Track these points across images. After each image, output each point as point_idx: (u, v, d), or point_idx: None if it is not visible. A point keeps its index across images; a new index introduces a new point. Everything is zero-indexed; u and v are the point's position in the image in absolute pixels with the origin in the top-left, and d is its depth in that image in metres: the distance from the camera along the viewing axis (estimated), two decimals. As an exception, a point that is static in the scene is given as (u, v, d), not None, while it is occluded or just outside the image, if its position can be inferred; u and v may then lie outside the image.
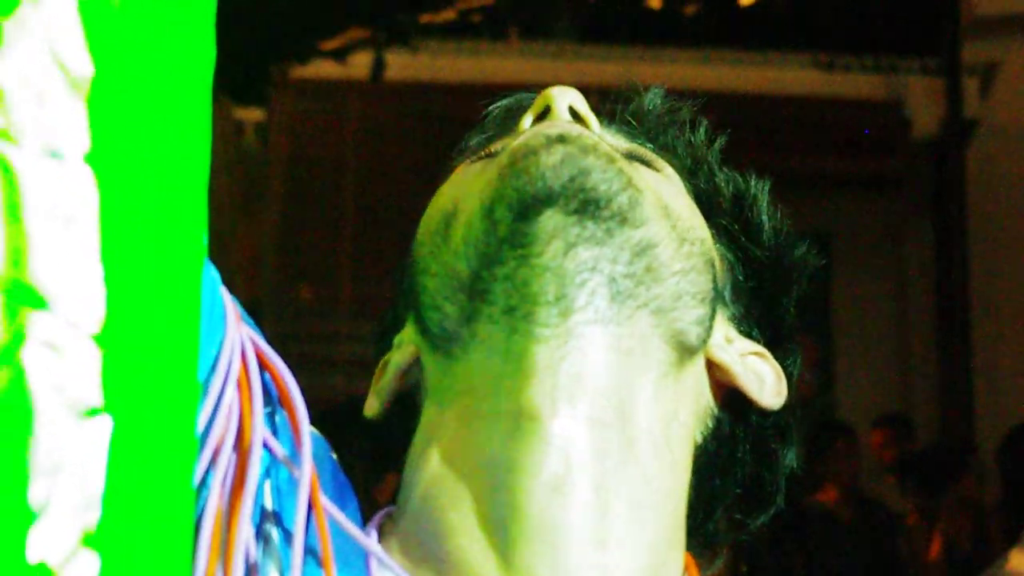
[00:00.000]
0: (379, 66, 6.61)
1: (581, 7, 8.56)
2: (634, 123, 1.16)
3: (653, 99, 1.19)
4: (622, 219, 0.99)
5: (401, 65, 7.04)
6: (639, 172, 1.05)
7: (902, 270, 9.90)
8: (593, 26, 9.24)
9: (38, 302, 0.61)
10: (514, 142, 1.04)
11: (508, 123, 1.13)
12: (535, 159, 0.99)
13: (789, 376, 1.12)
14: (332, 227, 9.29)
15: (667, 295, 1.01)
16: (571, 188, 0.98)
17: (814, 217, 9.88)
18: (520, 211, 0.98)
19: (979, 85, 9.54)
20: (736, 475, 1.12)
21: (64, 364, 0.61)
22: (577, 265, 0.97)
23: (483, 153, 1.10)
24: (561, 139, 1.00)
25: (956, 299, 9.43)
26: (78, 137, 0.64)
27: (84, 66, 0.64)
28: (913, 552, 6.62)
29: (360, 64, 6.75)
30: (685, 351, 1.03)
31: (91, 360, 0.62)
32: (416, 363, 1.07)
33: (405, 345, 1.09)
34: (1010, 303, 9.39)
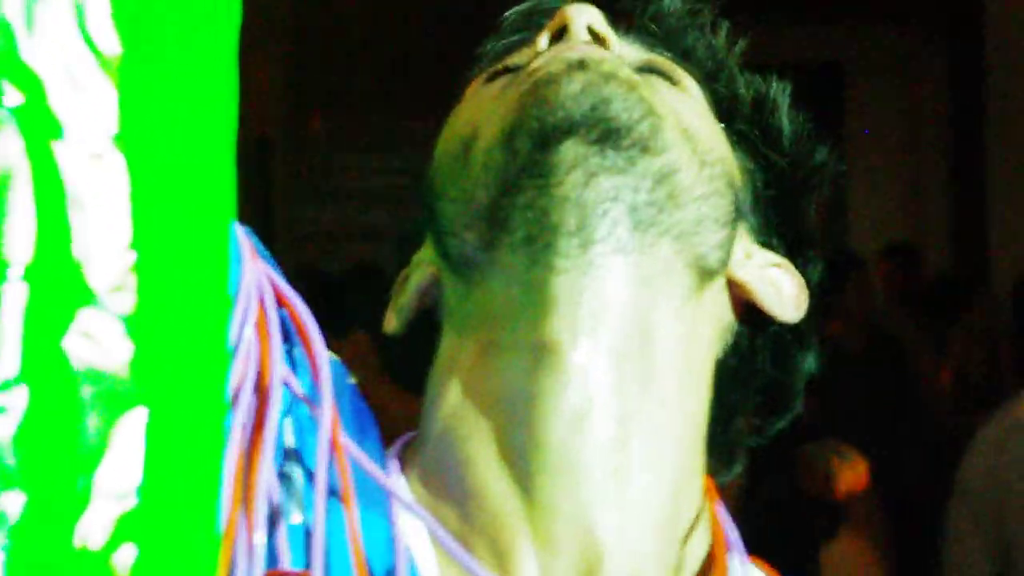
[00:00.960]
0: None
1: None
2: (653, 27, 1.14)
3: (672, 1, 1.16)
4: (643, 147, 0.99)
5: None
6: (659, 93, 1.04)
7: (915, 98, 9.84)
8: None
9: (84, 293, 0.63)
10: (533, 65, 1.04)
11: (526, 31, 1.12)
12: (556, 87, 0.99)
13: (809, 284, 1.12)
14: (343, 57, 9.22)
15: (688, 220, 1.00)
16: (592, 117, 0.97)
17: (826, 47, 9.79)
18: (540, 141, 0.97)
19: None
20: (755, 385, 1.12)
21: (100, 351, 0.63)
22: (598, 195, 0.97)
23: (500, 67, 1.09)
24: (581, 65, 1.00)
25: (970, 128, 9.39)
26: (109, 120, 0.64)
27: (113, 45, 0.65)
28: (922, 382, 6.68)
29: None
30: (706, 275, 1.03)
31: (124, 346, 0.64)
32: (435, 284, 1.07)
33: (425, 265, 1.09)
34: None
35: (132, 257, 0.65)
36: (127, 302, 0.64)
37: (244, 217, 0.83)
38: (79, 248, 0.63)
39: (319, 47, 9.05)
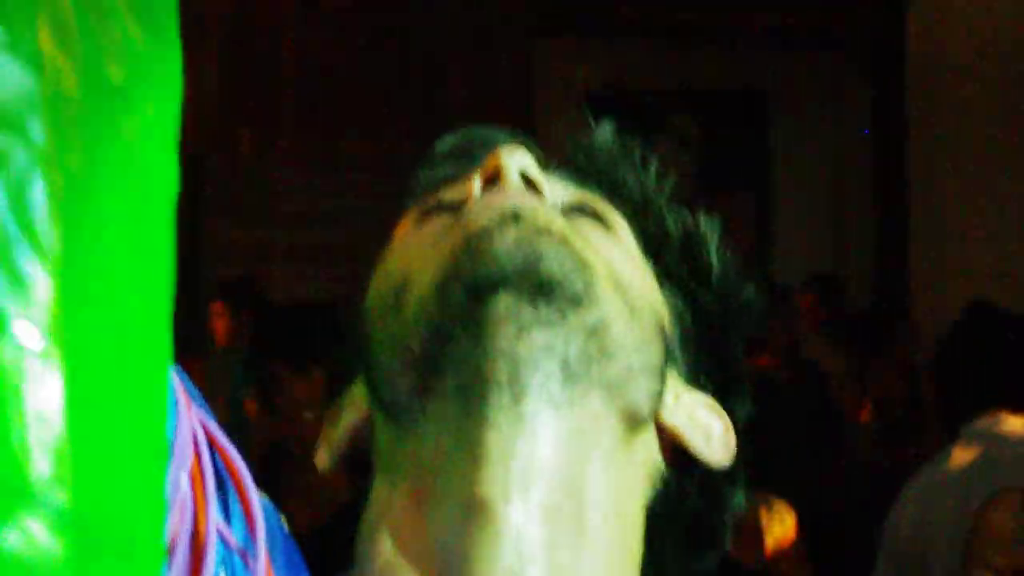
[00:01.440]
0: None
1: None
2: (584, 161, 1.15)
3: (604, 135, 1.17)
4: (575, 301, 0.99)
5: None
6: (591, 242, 1.05)
7: (839, 129, 9.97)
8: None
9: (20, 489, 0.63)
10: (466, 214, 1.04)
11: (458, 164, 1.12)
12: (489, 241, 0.99)
13: (736, 423, 1.12)
14: (274, 75, 9.23)
15: (619, 372, 1.01)
16: (525, 272, 0.98)
17: (752, 74, 9.90)
18: (473, 293, 0.97)
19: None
20: (685, 524, 1.12)
21: (34, 548, 0.63)
22: (530, 348, 0.97)
23: (432, 203, 1.09)
24: (515, 218, 1.01)
25: (894, 159, 9.51)
26: (46, 313, 0.65)
27: (52, 238, 0.65)
28: (843, 413, 6.73)
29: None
30: (636, 424, 1.03)
31: (58, 541, 0.63)
32: (367, 424, 1.07)
33: (357, 403, 1.09)
34: (949, 163, 9.42)
35: (68, 449, 0.64)
36: (62, 496, 0.64)
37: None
38: (16, 443, 0.62)
39: (253, 65, 9.04)
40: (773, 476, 4.26)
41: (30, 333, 0.63)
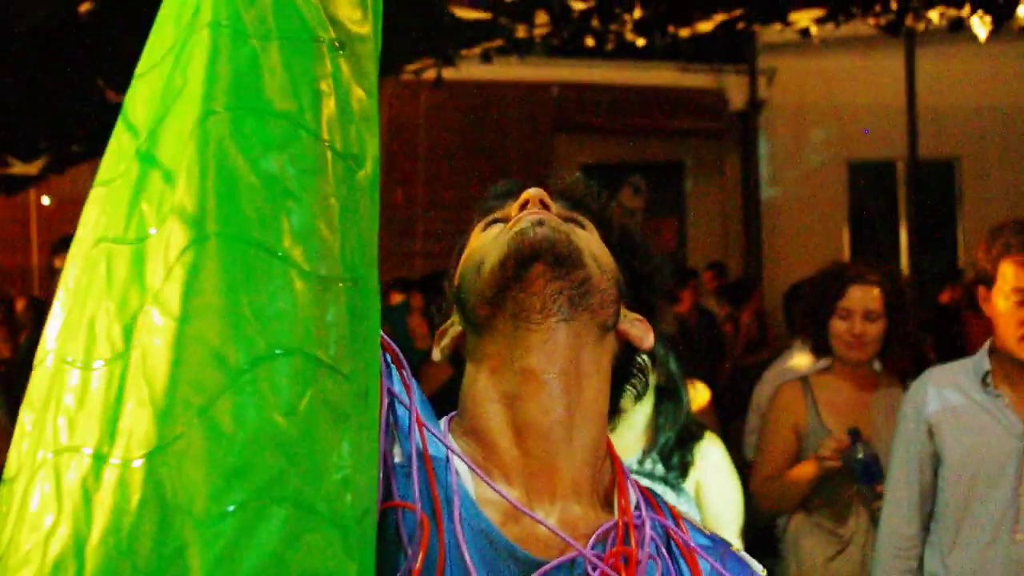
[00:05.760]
0: (439, 78, 6.36)
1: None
2: (569, 193, 1.15)
3: (578, 182, 1.17)
4: (574, 265, 1.02)
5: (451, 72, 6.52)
6: (577, 234, 1.06)
7: (725, 184, 9.95)
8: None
9: (324, 519, 0.63)
10: (513, 220, 1.06)
11: (505, 199, 1.13)
12: (528, 236, 1.01)
13: (655, 327, 1.14)
14: (410, 158, 9.03)
15: (596, 303, 1.03)
16: (548, 251, 1.01)
17: (674, 154, 9.98)
18: (520, 264, 1.00)
19: (767, 80, 9.65)
20: (629, 380, 1.14)
21: (322, 551, 0.63)
22: (552, 291, 1.00)
23: (492, 218, 1.10)
24: (540, 223, 1.02)
25: (754, 200, 9.71)
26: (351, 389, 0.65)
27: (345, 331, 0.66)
28: (724, 338, 6.92)
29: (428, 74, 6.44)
30: (606, 330, 1.06)
31: (336, 549, 0.63)
32: (462, 335, 1.09)
33: (455, 325, 1.10)
34: (785, 203, 9.67)
35: (351, 477, 0.63)
36: (345, 513, 0.63)
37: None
38: (327, 476, 0.61)
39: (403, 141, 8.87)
40: (693, 371, 4.43)
41: (340, 395, 0.61)
